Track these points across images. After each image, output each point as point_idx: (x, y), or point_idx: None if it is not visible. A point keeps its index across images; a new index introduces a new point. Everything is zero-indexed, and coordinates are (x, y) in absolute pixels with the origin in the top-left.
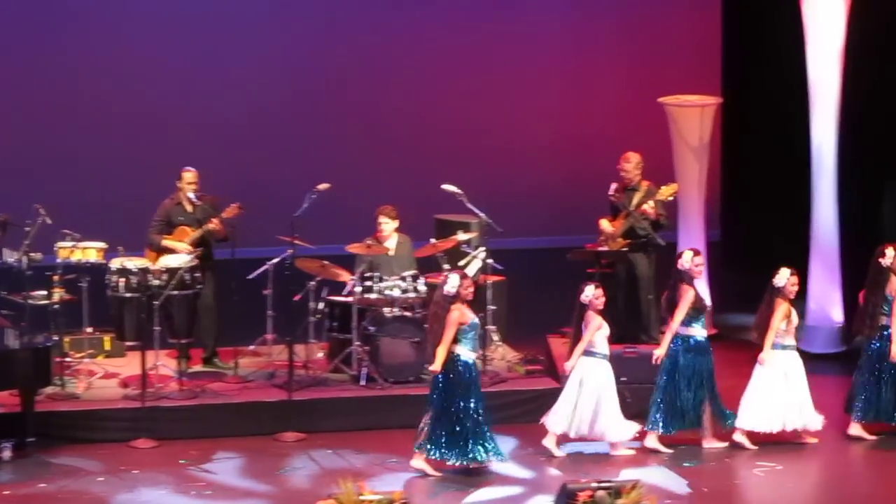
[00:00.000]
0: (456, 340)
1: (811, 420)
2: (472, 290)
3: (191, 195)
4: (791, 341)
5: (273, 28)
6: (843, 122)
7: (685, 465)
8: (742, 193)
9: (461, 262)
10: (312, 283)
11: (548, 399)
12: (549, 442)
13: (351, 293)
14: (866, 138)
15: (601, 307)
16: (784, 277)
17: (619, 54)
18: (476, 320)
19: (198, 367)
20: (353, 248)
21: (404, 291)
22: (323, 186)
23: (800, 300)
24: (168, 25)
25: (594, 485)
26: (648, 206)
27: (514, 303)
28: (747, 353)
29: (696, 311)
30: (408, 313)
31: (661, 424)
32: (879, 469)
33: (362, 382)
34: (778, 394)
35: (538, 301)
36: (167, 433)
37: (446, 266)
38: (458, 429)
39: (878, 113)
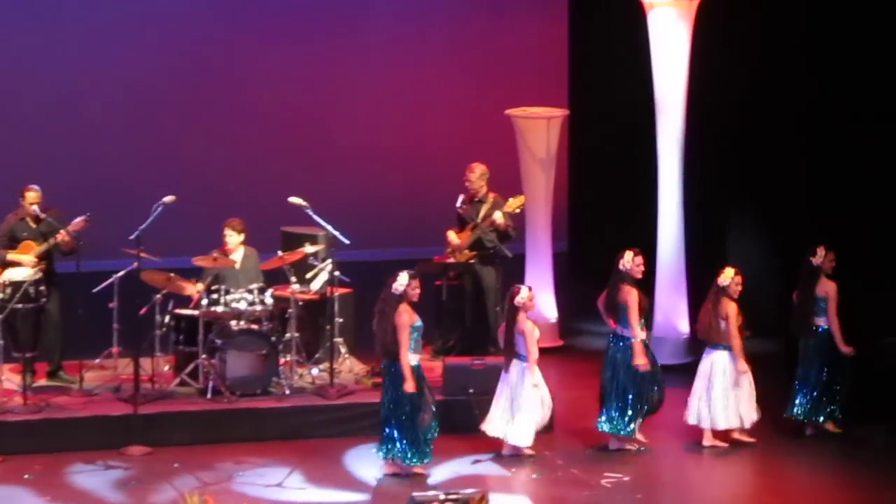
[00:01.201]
0: None
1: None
2: (419, 290)
3: (34, 209)
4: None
5: (116, 41)
6: (688, 136)
7: (533, 476)
8: (589, 205)
9: (308, 275)
10: (158, 295)
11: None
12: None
13: (197, 305)
14: (710, 151)
15: (534, 308)
16: (728, 277)
17: (467, 66)
18: (419, 322)
19: (42, 381)
20: (200, 261)
21: (251, 304)
22: (169, 199)
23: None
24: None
25: (441, 496)
26: (497, 218)
27: (362, 315)
28: (595, 364)
29: (640, 311)
30: (255, 326)
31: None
32: (731, 474)
33: (209, 395)
34: (728, 391)
35: None
36: (11, 448)
37: (293, 279)
38: (412, 431)
39: (721, 127)
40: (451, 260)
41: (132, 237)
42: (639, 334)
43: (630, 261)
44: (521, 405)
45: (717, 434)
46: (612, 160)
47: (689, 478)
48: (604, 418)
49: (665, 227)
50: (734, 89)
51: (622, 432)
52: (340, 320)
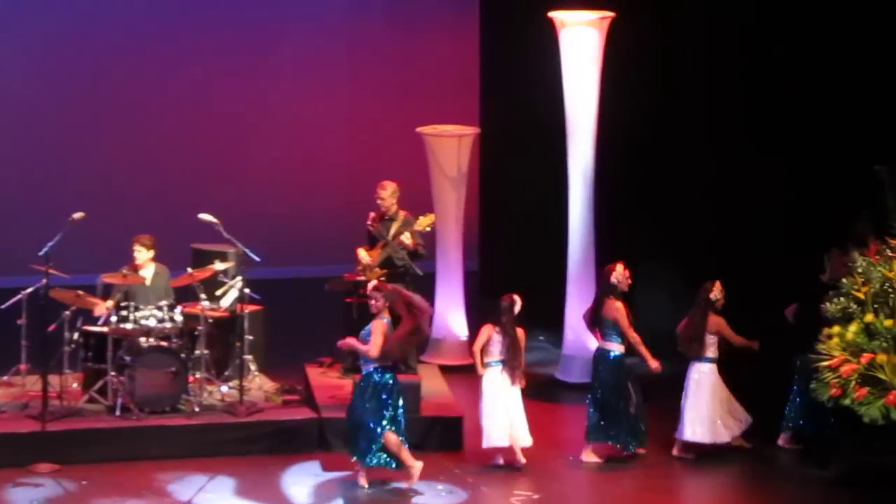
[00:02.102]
0: None
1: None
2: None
3: None
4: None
5: (26, 56)
6: (599, 155)
7: (442, 493)
8: (500, 224)
9: (218, 292)
10: (67, 312)
11: (307, 429)
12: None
13: (106, 323)
14: (623, 170)
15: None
16: (719, 291)
17: (378, 83)
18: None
19: None
20: (109, 278)
21: (160, 321)
22: (78, 215)
23: (556, 329)
24: None
25: None
26: (405, 238)
27: (272, 333)
28: None
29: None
30: (164, 343)
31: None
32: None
33: (117, 413)
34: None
35: (296, 331)
36: None
37: (203, 296)
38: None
39: (631, 146)
40: (362, 278)
41: (41, 253)
42: (639, 342)
43: (621, 274)
44: (514, 409)
45: (689, 446)
46: (523, 179)
47: (599, 496)
48: (598, 432)
49: (575, 246)
50: (645, 108)
51: (611, 441)
52: (250, 338)
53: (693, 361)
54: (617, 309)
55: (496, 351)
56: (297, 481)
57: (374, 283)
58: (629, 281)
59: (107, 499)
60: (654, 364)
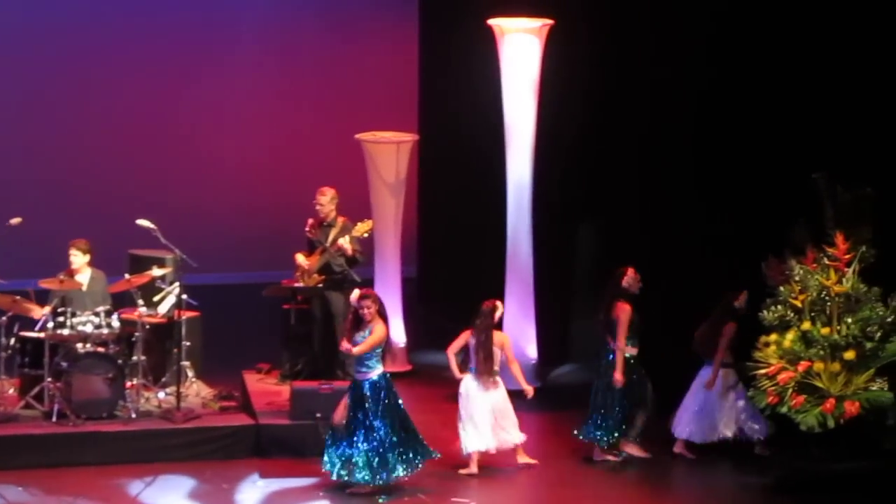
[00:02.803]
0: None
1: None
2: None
3: None
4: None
5: None
6: (537, 163)
7: (380, 501)
8: (439, 231)
9: (156, 298)
10: (3, 318)
11: (245, 435)
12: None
13: (42, 328)
14: (560, 178)
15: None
16: (745, 301)
17: (317, 90)
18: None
19: None
20: (46, 283)
21: (97, 327)
22: (15, 221)
23: None
24: None
25: None
26: (344, 242)
27: (209, 339)
28: (444, 390)
29: (633, 326)
30: (101, 349)
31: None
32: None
33: (54, 419)
34: (719, 406)
35: (233, 337)
36: None
37: (140, 302)
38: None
39: (570, 155)
40: (300, 284)
41: None
42: (623, 349)
43: (632, 277)
44: (498, 411)
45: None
46: (461, 185)
47: (537, 502)
48: (587, 428)
49: (514, 253)
50: (583, 115)
51: (600, 443)
52: (188, 344)
53: (707, 365)
54: (623, 311)
55: (474, 356)
56: (234, 488)
57: (357, 292)
58: (640, 284)
59: None
60: (617, 377)
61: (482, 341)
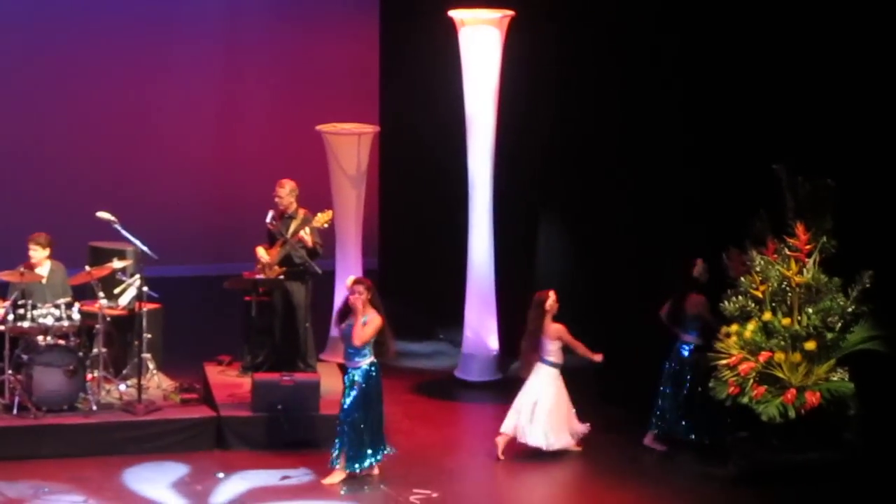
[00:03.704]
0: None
1: None
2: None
3: None
4: None
5: None
6: (498, 156)
7: (341, 492)
8: (400, 222)
9: (116, 290)
10: None
11: (207, 427)
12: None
13: (3, 321)
14: (521, 172)
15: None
16: (703, 268)
17: (278, 81)
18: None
19: None
20: (5, 276)
21: (58, 319)
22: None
23: (456, 328)
24: None
25: None
26: (304, 234)
27: (170, 331)
28: (406, 381)
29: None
30: (62, 342)
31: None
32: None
33: (15, 411)
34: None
35: (194, 329)
36: None
37: (101, 294)
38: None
39: (532, 148)
40: (261, 276)
41: None
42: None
43: (702, 267)
44: (545, 408)
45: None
46: (423, 177)
47: (500, 494)
48: (668, 422)
49: (476, 245)
50: (545, 106)
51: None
52: (149, 336)
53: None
54: (702, 303)
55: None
56: (196, 480)
57: (352, 277)
58: (708, 274)
59: (2, 496)
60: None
61: (531, 331)
